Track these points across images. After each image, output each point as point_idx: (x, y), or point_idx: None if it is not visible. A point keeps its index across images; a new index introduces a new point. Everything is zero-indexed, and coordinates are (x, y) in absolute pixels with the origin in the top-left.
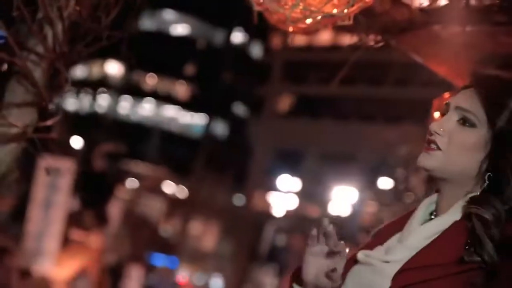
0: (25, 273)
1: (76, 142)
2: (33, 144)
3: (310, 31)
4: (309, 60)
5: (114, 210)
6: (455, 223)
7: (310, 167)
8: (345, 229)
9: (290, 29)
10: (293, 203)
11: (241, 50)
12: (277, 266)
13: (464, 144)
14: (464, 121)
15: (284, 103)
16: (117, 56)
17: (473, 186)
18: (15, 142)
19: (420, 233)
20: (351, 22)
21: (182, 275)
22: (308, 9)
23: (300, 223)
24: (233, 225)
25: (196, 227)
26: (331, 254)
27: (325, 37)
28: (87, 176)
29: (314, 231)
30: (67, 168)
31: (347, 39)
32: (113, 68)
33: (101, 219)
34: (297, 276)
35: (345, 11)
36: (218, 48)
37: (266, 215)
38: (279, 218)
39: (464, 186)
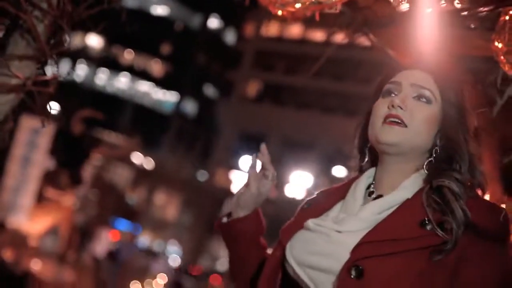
0: (0, 225)
1: (53, 107)
2: (31, 96)
3: (297, 16)
4: (279, 51)
5: (86, 173)
6: (410, 200)
7: (271, 151)
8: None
9: (279, 12)
10: None
11: (216, 35)
12: None
13: (424, 120)
14: (419, 98)
15: (252, 88)
16: (102, 28)
17: (421, 161)
18: (15, 92)
19: (374, 206)
20: (337, 11)
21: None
22: None
23: None
24: (194, 198)
25: (160, 197)
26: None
27: (295, 30)
28: (65, 139)
29: (253, 155)
30: (46, 128)
31: (317, 34)
32: (93, 40)
33: (75, 180)
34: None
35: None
36: (194, 32)
37: (226, 192)
38: None
39: (414, 161)
